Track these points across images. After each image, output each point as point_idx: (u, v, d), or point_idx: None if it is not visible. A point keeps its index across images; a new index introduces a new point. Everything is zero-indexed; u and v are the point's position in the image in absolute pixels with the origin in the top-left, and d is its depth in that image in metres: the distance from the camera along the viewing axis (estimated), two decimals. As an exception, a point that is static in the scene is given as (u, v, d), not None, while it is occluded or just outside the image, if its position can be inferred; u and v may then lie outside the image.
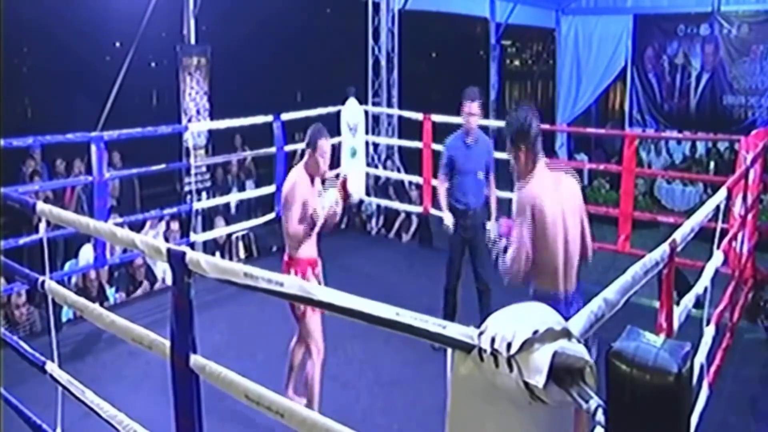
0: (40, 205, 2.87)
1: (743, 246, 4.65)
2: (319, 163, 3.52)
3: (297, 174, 3.53)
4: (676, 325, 2.75)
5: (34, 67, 13.26)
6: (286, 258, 3.59)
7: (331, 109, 6.84)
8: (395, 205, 7.67)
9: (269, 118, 6.18)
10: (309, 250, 3.58)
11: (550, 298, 2.56)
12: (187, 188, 6.71)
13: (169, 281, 6.18)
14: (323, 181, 3.63)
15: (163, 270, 6.28)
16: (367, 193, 7.41)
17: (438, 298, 4.74)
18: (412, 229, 7.90)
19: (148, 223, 6.40)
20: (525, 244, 2.63)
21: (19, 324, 5.21)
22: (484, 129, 11.39)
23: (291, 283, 1.75)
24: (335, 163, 6.96)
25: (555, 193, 2.71)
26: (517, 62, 25.06)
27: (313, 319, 3.58)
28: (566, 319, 2.91)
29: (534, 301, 2.46)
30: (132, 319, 2.41)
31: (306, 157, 3.57)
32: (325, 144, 3.54)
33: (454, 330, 1.37)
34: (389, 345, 4.34)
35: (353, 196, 3.66)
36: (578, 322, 1.53)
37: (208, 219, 7.05)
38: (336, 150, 6.86)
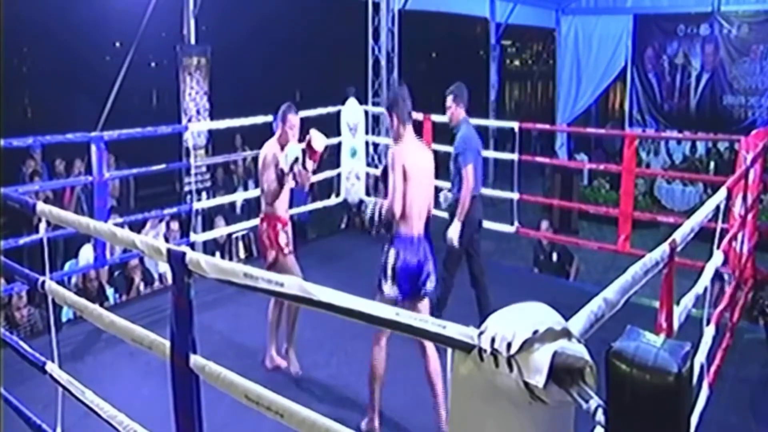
0: (40, 205, 2.87)
1: (743, 246, 4.65)
2: (289, 135, 4.02)
3: (270, 144, 4.03)
4: (676, 325, 2.75)
5: (34, 67, 13.27)
6: (261, 215, 4.10)
7: (331, 109, 6.84)
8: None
9: (269, 118, 6.18)
10: (282, 209, 4.06)
11: (409, 240, 3.31)
12: (187, 188, 6.71)
13: (163, 281, 6.22)
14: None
15: (159, 269, 6.30)
16: (367, 193, 7.41)
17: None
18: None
19: (148, 223, 6.40)
20: (398, 191, 3.26)
21: (20, 326, 5.22)
22: (485, 129, 11.43)
23: (291, 283, 1.75)
24: (335, 163, 6.99)
25: (418, 156, 3.38)
26: (517, 62, 25.07)
27: (287, 260, 4.02)
28: (419, 257, 3.28)
29: (395, 241, 3.31)
30: (132, 320, 2.41)
31: (278, 131, 4.08)
32: (294, 118, 4.06)
33: (454, 330, 1.37)
34: (389, 345, 4.34)
35: (318, 149, 3.96)
36: (578, 322, 1.53)
37: (208, 219, 7.05)
38: (336, 150, 6.88)
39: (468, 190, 4.42)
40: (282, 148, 3.96)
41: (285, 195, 4.05)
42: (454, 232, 4.40)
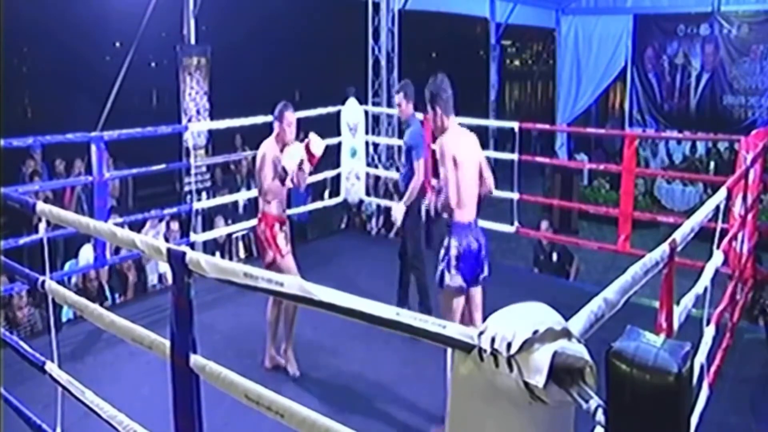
0: (40, 205, 2.87)
1: (743, 246, 4.65)
2: (287, 132, 4.03)
3: (268, 143, 4.05)
4: (676, 325, 2.75)
5: (34, 67, 13.26)
6: (260, 214, 4.09)
7: (331, 109, 6.84)
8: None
9: (269, 118, 6.17)
10: (280, 209, 4.08)
11: (467, 226, 3.39)
12: (187, 188, 6.71)
13: (163, 282, 6.21)
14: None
15: (156, 269, 6.30)
16: (367, 193, 7.41)
17: (438, 298, 4.74)
18: (412, 229, 7.90)
19: (147, 223, 6.40)
20: (452, 181, 3.34)
21: (21, 325, 5.22)
22: (485, 129, 11.42)
23: (291, 283, 1.75)
24: (335, 163, 6.99)
25: (465, 145, 3.43)
26: (517, 62, 25.06)
27: (285, 261, 4.02)
28: (478, 241, 3.36)
29: (454, 230, 3.37)
30: (132, 320, 2.41)
31: (276, 129, 4.06)
32: (291, 115, 4.06)
33: (454, 330, 1.37)
34: (389, 345, 4.34)
35: (317, 154, 4.11)
36: (578, 322, 1.53)
37: (208, 219, 7.05)
38: (336, 150, 6.88)
39: (419, 180, 4.58)
40: (281, 147, 3.99)
41: (283, 194, 4.09)
42: (398, 212, 4.52)
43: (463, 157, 3.36)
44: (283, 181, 3.95)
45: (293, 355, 4.12)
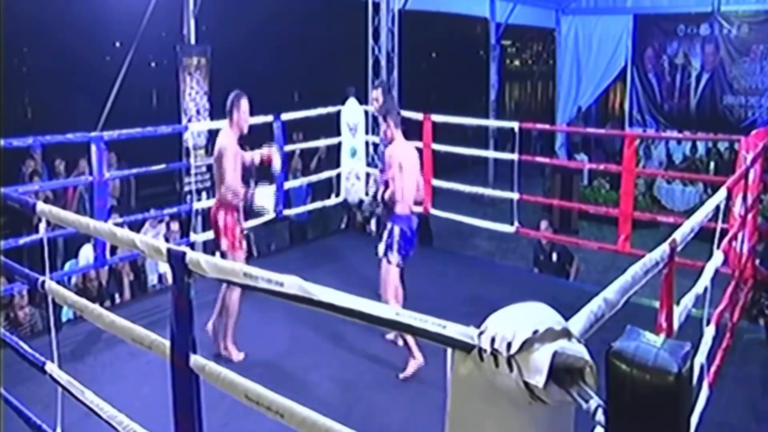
0: (40, 205, 2.87)
1: (743, 246, 4.65)
2: (242, 120, 4.28)
3: (227, 134, 4.27)
4: (676, 325, 2.75)
5: (34, 67, 13.25)
6: (216, 203, 4.32)
7: (331, 109, 6.84)
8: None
9: (269, 118, 6.18)
10: (236, 199, 4.26)
11: (406, 217, 4.23)
12: (187, 188, 6.70)
13: (163, 282, 6.21)
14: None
15: (156, 269, 6.29)
16: (367, 193, 7.40)
17: (438, 298, 4.74)
18: (412, 229, 7.90)
19: (147, 223, 6.40)
20: (398, 182, 4.13)
21: (22, 325, 5.21)
22: (485, 129, 11.40)
23: (291, 283, 1.75)
24: (335, 163, 6.98)
25: (408, 154, 4.27)
26: (517, 62, 25.03)
27: (237, 256, 4.26)
28: (412, 229, 3.92)
29: (395, 220, 4.18)
30: (132, 320, 2.41)
31: (232, 118, 4.28)
32: (245, 103, 4.31)
33: (454, 330, 1.37)
34: (389, 345, 4.35)
35: (275, 168, 4.58)
36: (578, 322, 1.53)
37: (208, 219, 7.03)
38: (336, 150, 6.87)
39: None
40: (238, 136, 4.26)
41: (241, 188, 4.31)
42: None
43: (406, 164, 4.19)
44: (244, 178, 4.23)
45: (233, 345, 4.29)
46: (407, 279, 4.41)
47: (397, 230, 4.20)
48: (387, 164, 4.22)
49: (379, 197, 4.29)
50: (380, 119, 4.28)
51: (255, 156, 4.43)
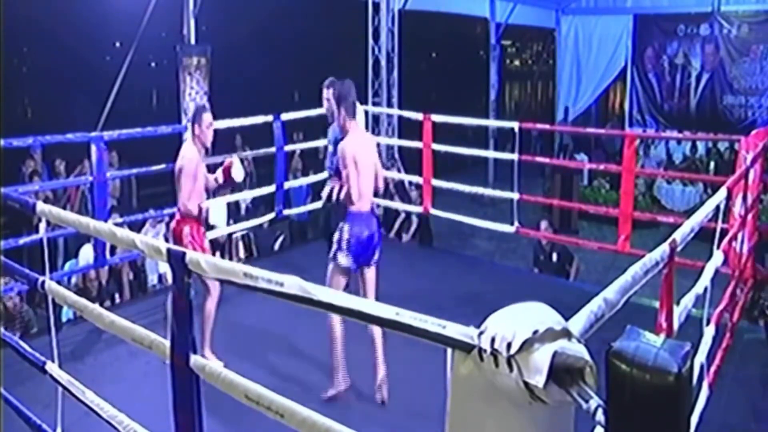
0: (40, 205, 2.87)
1: (743, 246, 4.65)
2: (206, 133, 4.18)
3: (190, 147, 4.18)
4: (676, 325, 2.75)
5: (34, 67, 13.26)
6: (178, 217, 4.24)
7: (331, 109, 6.83)
8: (395, 205, 7.66)
9: (269, 118, 6.18)
10: (198, 210, 4.25)
11: (360, 215, 3.81)
12: (187, 188, 6.69)
13: (163, 282, 6.20)
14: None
15: (156, 269, 6.29)
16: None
17: (438, 298, 4.73)
18: (412, 229, 7.90)
19: (147, 223, 6.40)
20: (353, 179, 3.73)
21: (16, 318, 5.19)
22: (485, 129, 11.39)
23: (291, 283, 1.75)
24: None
25: (364, 147, 3.83)
26: (517, 62, 25.04)
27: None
28: (370, 230, 3.71)
29: (349, 217, 3.79)
30: (131, 320, 2.41)
31: (195, 132, 4.18)
32: (208, 117, 4.19)
33: (454, 330, 1.37)
34: (389, 345, 4.34)
35: (236, 180, 4.49)
36: (578, 322, 1.53)
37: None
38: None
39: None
40: (201, 150, 4.21)
41: (204, 197, 4.38)
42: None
43: (361, 157, 3.77)
44: (206, 188, 4.25)
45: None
46: (407, 279, 4.33)
47: (346, 228, 3.79)
48: (340, 161, 3.83)
49: (333, 197, 3.91)
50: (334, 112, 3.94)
51: (218, 175, 4.40)
